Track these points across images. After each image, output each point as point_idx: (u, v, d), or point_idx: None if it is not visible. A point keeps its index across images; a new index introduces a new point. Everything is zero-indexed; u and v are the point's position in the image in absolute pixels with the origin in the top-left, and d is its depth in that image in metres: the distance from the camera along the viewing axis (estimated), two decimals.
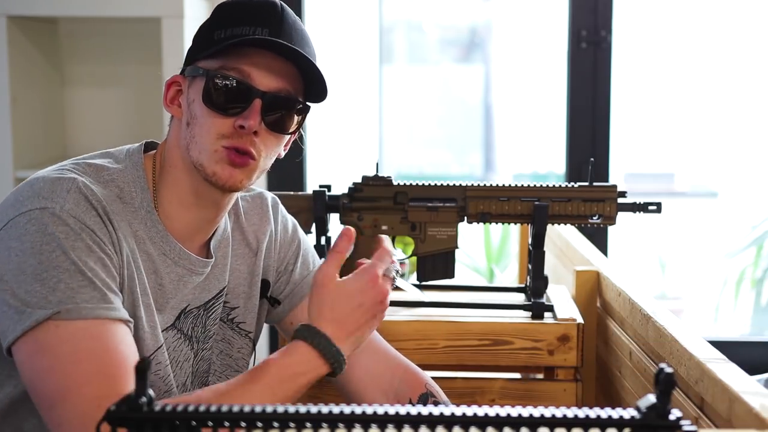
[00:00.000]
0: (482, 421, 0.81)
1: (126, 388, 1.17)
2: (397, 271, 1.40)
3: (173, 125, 1.38)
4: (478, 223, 1.76)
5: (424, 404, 1.47)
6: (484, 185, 1.76)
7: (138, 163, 1.36)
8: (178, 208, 1.37)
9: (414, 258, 1.79)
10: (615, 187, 1.75)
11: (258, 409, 0.82)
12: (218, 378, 1.49)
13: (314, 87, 1.36)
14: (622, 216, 1.76)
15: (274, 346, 3.14)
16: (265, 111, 1.31)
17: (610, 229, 3.03)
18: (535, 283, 1.75)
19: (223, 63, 1.31)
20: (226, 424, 0.81)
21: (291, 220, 1.59)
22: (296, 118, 1.36)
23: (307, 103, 1.38)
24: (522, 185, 1.75)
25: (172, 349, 1.39)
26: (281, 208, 1.58)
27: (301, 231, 1.59)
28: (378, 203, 1.75)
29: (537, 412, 0.81)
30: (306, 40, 1.36)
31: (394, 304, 1.81)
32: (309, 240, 1.62)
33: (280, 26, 1.32)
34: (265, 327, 3.08)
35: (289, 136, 1.38)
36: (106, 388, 1.16)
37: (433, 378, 1.59)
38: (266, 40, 1.30)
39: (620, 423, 0.81)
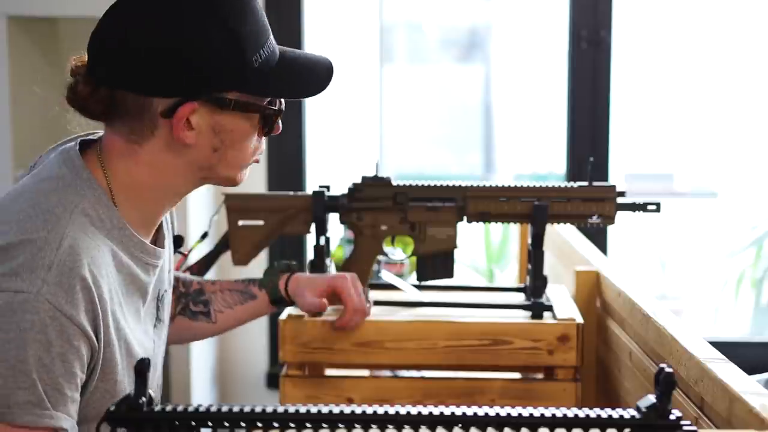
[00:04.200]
0: (482, 421, 0.81)
1: None
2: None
3: (159, 147, 1.27)
4: (477, 222, 1.76)
5: None
6: (484, 185, 1.76)
7: (89, 180, 1.27)
8: (159, 215, 1.34)
9: (413, 258, 1.79)
10: (614, 186, 1.75)
11: (258, 409, 0.82)
12: None
13: None
14: (621, 216, 1.76)
15: (274, 349, 3.13)
16: None
17: (610, 229, 3.03)
18: (535, 282, 1.75)
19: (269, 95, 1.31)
20: (226, 424, 0.81)
21: None
22: None
23: None
24: (521, 185, 1.75)
25: (157, 346, 1.40)
26: None
27: None
28: (377, 203, 1.75)
29: (537, 412, 0.81)
30: None
31: (394, 304, 1.81)
32: None
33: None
34: (266, 325, 3.09)
35: None
36: None
37: (433, 378, 1.59)
38: (328, 77, 1.34)
39: (620, 423, 0.81)
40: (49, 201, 1.23)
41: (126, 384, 1.29)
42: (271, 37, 1.31)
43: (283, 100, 1.33)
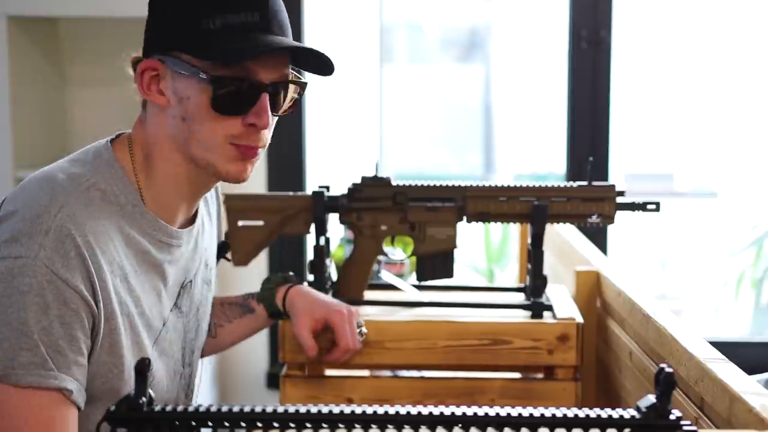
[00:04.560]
0: (482, 421, 0.81)
1: None
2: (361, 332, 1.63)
3: (154, 113, 1.31)
4: (477, 222, 1.76)
5: None
6: (483, 185, 1.76)
7: (110, 160, 1.31)
8: (173, 197, 1.34)
9: (413, 258, 1.79)
10: (613, 186, 1.75)
11: (258, 409, 0.82)
12: (202, 340, 1.53)
13: (311, 62, 1.32)
14: (621, 216, 1.76)
15: (274, 349, 3.14)
16: (271, 101, 1.28)
17: (610, 229, 3.03)
18: (535, 282, 1.75)
19: (225, 65, 1.24)
20: (226, 424, 0.81)
21: None
22: (294, 92, 1.34)
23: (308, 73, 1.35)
24: (521, 185, 1.75)
25: (172, 331, 1.40)
26: None
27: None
28: (377, 203, 1.75)
29: (537, 412, 0.81)
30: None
31: (394, 304, 1.81)
32: None
33: (268, 3, 1.27)
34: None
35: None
36: None
37: (433, 378, 1.59)
38: (276, 47, 1.25)
39: (620, 423, 0.81)
40: (63, 176, 1.28)
41: (131, 362, 1.29)
42: (257, 16, 1.25)
43: (253, 82, 1.26)
